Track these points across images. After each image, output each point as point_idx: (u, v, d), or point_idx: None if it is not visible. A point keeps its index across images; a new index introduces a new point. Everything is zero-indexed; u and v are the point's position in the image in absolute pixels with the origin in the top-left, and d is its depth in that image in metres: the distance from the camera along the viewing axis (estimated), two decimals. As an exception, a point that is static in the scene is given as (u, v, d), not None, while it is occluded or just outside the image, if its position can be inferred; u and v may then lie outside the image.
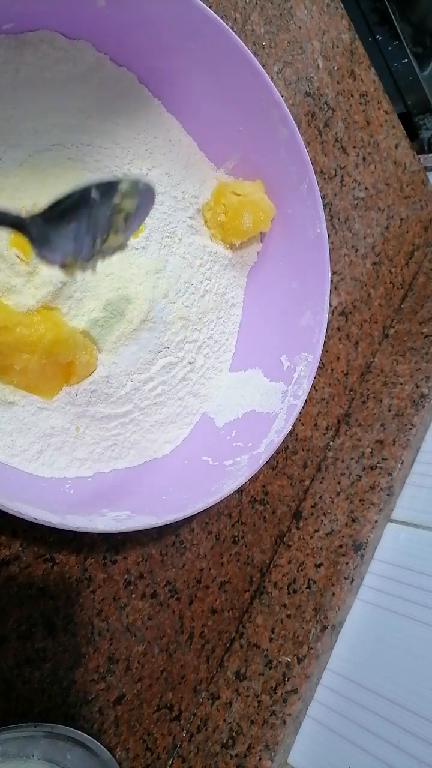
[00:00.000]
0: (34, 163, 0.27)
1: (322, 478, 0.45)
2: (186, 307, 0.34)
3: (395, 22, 0.58)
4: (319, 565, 0.39)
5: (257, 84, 0.31)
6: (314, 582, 0.38)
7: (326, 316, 0.35)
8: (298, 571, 0.39)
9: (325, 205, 0.47)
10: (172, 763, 0.32)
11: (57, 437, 0.28)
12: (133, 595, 0.32)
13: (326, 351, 0.47)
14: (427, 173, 0.61)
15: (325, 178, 0.47)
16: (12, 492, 0.24)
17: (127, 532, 0.29)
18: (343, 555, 0.39)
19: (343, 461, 0.45)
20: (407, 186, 0.57)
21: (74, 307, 0.28)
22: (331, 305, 0.47)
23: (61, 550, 0.29)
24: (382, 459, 0.43)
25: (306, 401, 0.36)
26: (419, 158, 0.60)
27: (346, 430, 0.47)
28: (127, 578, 0.31)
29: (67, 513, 0.25)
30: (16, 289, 0.26)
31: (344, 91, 0.49)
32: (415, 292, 0.57)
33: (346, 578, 0.38)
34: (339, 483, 0.44)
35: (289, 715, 0.33)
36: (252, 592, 0.39)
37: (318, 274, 0.36)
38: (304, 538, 0.41)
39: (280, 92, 0.34)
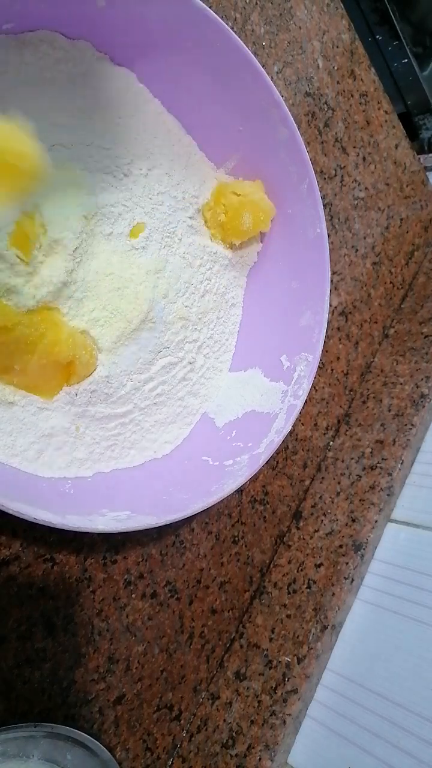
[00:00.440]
0: (34, 163, 0.27)
1: (322, 478, 0.45)
2: (186, 307, 0.34)
3: (395, 22, 0.58)
4: (319, 565, 0.39)
5: (257, 84, 0.31)
6: (314, 582, 0.38)
7: (326, 316, 0.35)
8: (298, 571, 0.39)
9: (325, 205, 0.47)
10: (172, 763, 0.32)
11: (57, 437, 0.28)
12: (133, 595, 0.32)
13: (326, 351, 0.47)
14: (427, 173, 0.61)
15: (325, 178, 0.47)
16: (12, 492, 0.24)
17: (127, 532, 0.29)
18: (343, 555, 0.39)
19: (343, 461, 0.45)
20: (407, 186, 0.57)
21: (74, 307, 0.28)
22: (331, 305, 0.47)
23: (61, 550, 0.29)
24: (382, 459, 0.43)
25: (306, 401, 0.36)
26: (419, 158, 0.60)
27: (346, 430, 0.47)
28: (127, 578, 0.31)
29: (67, 513, 0.25)
30: (16, 289, 0.26)
31: (344, 91, 0.49)
32: (415, 292, 0.57)
33: (346, 578, 0.38)
34: (339, 483, 0.44)
35: (289, 715, 0.33)
36: (252, 592, 0.39)
37: (318, 274, 0.36)
38: (304, 538, 0.41)
39: (280, 92, 0.34)
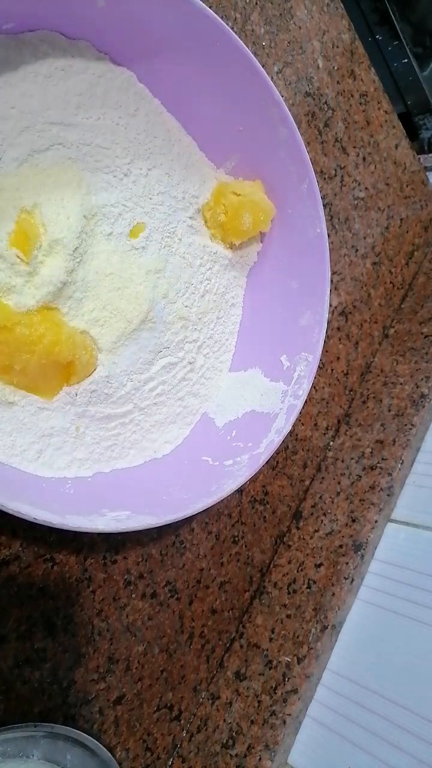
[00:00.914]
0: (33, 163, 0.27)
1: (322, 478, 0.45)
2: (186, 307, 0.34)
3: (395, 22, 0.58)
4: (319, 565, 0.39)
5: (257, 84, 0.31)
6: (314, 582, 0.38)
7: (326, 316, 0.35)
8: (298, 571, 0.39)
9: (325, 205, 0.47)
10: (172, 763, 0.32)
11: (57, 437, 0.28)
12: (133, 595, 0.32)
13: (326, 351, 0.47)
14: (427, 173, 0.61)
15: (325, 178, 0.47)
16: (12, 492, 0.24)
17: (127, 532, 0.29)
18: (343, 555, 0.39)
19: (343, 461, 0.45)
20: (407, 186, 0.57)
21: (74, 307, 0.28)
22: (331, 305, 0.47)
23: (61, 550, 0.29)
24: (382, 459, 0.43)
25: (306, 401, 0.36)
26: (419, 158, 0.60)
27: (346, 430, 0.47)
28: (127, 578, 0.31)
29: (67, 513, 0.25)
30: (16, 289, 0.26)
31: (344, 91, 0.49)
32: (415, 292, 0.57)
33: (346, 578, 0.38)
34: (339, 483, 0.44)
35: (289, 715, 0.33)
36: (252, 592, 0.39)
37: (318, 274, 0.36)
38: (304, 538, 0.41)
39: (280, 92, 0.34)
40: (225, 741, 0.32)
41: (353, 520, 0.41)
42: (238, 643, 0.37)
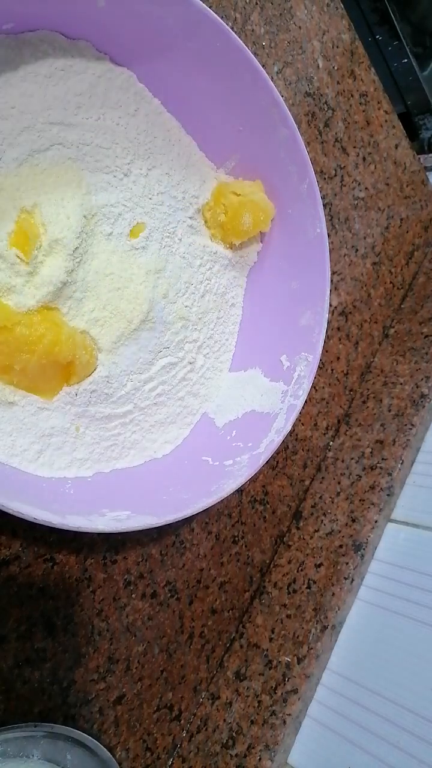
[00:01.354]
0: (33, 163, 0.27)
1: (322, 478, 0.45)
2: (186, 307, 0.34)
3: (395, 22, 0.58)
4: (319, 565, 0.39)
5: (257, 84, 0.31)
6: (314, 582, 0.38)
7: (326, 316, 0.35)
8: (298, 571, 0.39)
9: (325, 205, 0.47)
10: (172, 763, 0.32)
11: (57, 437, 0.28)
12: (133, 595, 0.32)
13: (326, 351, 0.47)
14: (427, 173, 0.61)
15: (325, 178, 0.47)
16: (12, 492, 0.24)
17: (127, 532, 0.29)
18: (343, 555, 0.39)
19: (343, 461, 0.45)
20: (407, 186, 0.57)
21: (74, 307, 0.28)
22: (331, 305, 0.47)
23: (61, 550, 0.29)
24: (382, 459, 0.43)
25: (306, 401, 0.36)
26: (419, 158, 0.60)
27: (346, 430, 0.47)
28: (127, 578, 0.31)
29: (67, 513, 0.25)
30: (16, 289, 0.26)
31: (344, 91, 0.49)
32: (415, 292, 0.57)
33: (346, 578, 0.38)
34: (339, 483, 0.44)
35: (289, 715, 0.33)
36: (252, 592, 0.39)
37: (318, 274, 0.36)
38: (304, 538, 0.41)
39: (280, 92, 0.34)
40: (225, 741, 0.32)
41: (353, 520, 0.41)
42: (238, 643, 0.37)
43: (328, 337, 0.46)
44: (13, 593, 0.27)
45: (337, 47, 0.49)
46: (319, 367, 0.46)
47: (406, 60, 0.60)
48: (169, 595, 0.33)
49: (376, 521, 0.40)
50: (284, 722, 0.32)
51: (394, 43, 0.60)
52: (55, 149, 0.28)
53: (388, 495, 0.41)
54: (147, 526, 0.27)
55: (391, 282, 0.55)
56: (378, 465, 0.43)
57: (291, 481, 0.43)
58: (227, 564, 0.37)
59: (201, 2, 0.28)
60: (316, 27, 0.46)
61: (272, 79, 0.40)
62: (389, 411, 0.47)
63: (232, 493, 0.32)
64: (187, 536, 0.35)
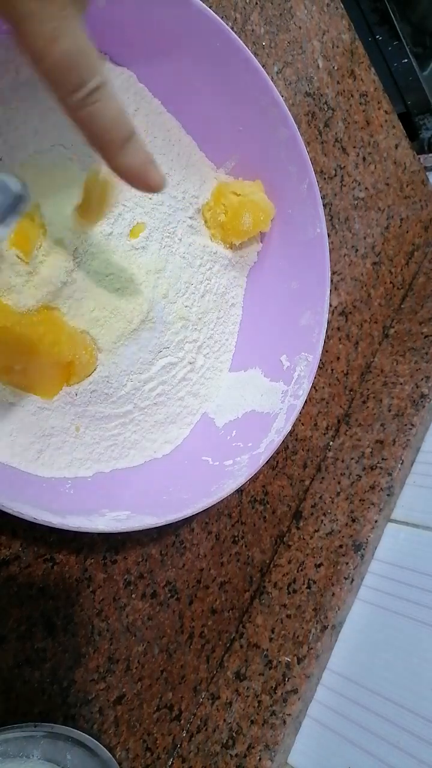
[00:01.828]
0: (34, 164, 0.27)
1: (322, 478, 0.45)
2: (186, 307, 0.34)
3: (395, 22, 0.58)
4: (319, 565, 0.39)
5: (257, 84, 0.31)
6: (314, 582, 0.38)
7: (326, 316, 0.35)
8: (298, 571, 0.39)
9: (325, 205, 0.47)
10: (172, 763, 0.32)
11: (57, 437, 0.28)
12: (133, 595, 0.32)
13: (326, 351, 0.47)
14: (427, 173, 0.61)
15: (325, 178, 0.47)
16: (12, 492, 0.24)
17: (127, 532, 0.29)
18: (343, 555, 0.39)
19: (343, 461, 0.45)
20: (407, 186, 0.57)
21: (74, 307, 0.28)
22: (331, 305, 0.47)
23: (61, 550, 0.29)
24: (382, 459, 0.43)
25: (306, 401, 0.36)
26: (419, 158, 0.60)
27: (346, 430, 0.47)
28: (127, 578, 0.31)
29: (67, 513, 0.25)
30: (16, 289, 0.26)
31: (344, 91, 0.49)
32: (415, 292, 0.57)
33: (346, 578, 0.38)
34: (339, 483, 0.44)
35: (289, 715, 0.33)
36: (252, 592, 0.39)
37: (318, 274, 0.36)
38: (304, 538, 0.41)
39: (280, 92, 0.34)
40: (225, 741, 0.32)
41: (353, 520, 0.41)
42: (238, 643, 0.37)
43: (328, 337, 0.46)
44: (13, 593, 0.27)
45: (337, 47, 0.49)
46: (319, 367, 0.46)
47: (406, 60, 0.60)
48: (169, 595, 0.33)
49: (376, 521, 0.40)
50: (284, 722, 0.32)
51: (394, 43, 0.60)
52: (56, 150, 0.28)
53: (388, 495, 0.41)
54: (147, 526, 0.27)
55: (391, 282, 0.55)
56: (378, 465, 0.43)
57: (291, 481, 0.43)
58: (227, 564, 0.37)
59: (201, 2, 0.28)
60: (316, 27, 0.46)
61: (272, 79, 0.40)
62: (389, 411, 0.47)
63: (232, 493, 0.32)
64: (187, 536, 0.35)
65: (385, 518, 0.42)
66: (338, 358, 0.48)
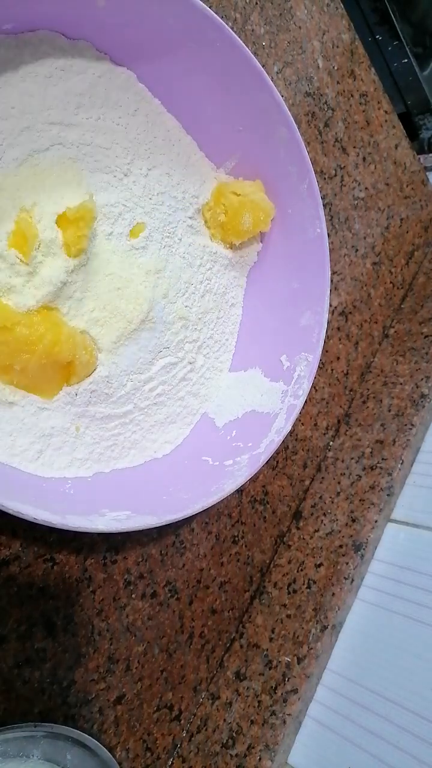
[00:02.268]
0: (34, 163, 0.27)
1: (322, 478, 0.45)
2: (186, 307, 0.34)
3: (395, 22, 0.58)
4: (319, 565, 0.39)
5: (257, 84, 0.31)
6: (314, 582, 0.38)
7: (326, 316, 0.35)
8: (298, 571, 0.39)
9: (325, 205, 0.47)
10: (172, 763, 0.32)
11: (57, 437, 0.28)
12: (133, 595, 0.32)
13: (326, 351, 0.47)
14: (427, 173, 0.61)
15: (325, 178, 0.47)
16: (12, 492, 0.24)
17: (127, 532, 0.29)
18: (343, 555, 0.39)
19: (343, 461, 0.45)
20: (407, 186, 0.57)
21: (74, 307, 0.28)
22: (331, 305, 0.47)
23: (61, 550, 0.29)
24: (382, 459, 0.43)
25: (306, 401, 0.36)
26: (419, 158, 0.60)
27: (346, 430, 0.47)
28: (127, 578, 0.31)
29: (67, 513, 0.25)
30: (16, 289, 0.26)
31: (344, 91, 0.49)
32: (415, 292, 0.57)
33: (346, 578, 0.38)
34: (339, 483, 0.44)
35: (289, 715, 0.33)
36: (252, 592, 0.39)
37: (318, 274, 0.36)
38: (304, 538, 0.41)
39: (280, 92, 0.34)
40: (225, 741, 0.32)
41: (353, 520, 0.41)
42: (238, 643, 0.37)
43: (328, 337, 0.46)
44: (13, 593, 0.27)
45: (337, 47, 0.49)
46: (319, 367, 0.46)
47: (406, 60, 0.60)
48: (169, 595, 0.33)
49: (376, 521, 0.40)
50: (284, 722, 0.32)
51: (394, 43, 0.60)
52: (55, 149, 0.28)
53: (388, 495, 0.41)
54: (147, 526, 0.27)
55: (391, 282, 0.55)
56: (378, 465, 0.43)
57: (291, 481, 0.43)
58: (227, 564, 0.37)
59: (201, 2, 0.28)
60: (316, 27, 0.46)
61: (272, 79, 0.40)
62: (389, 411, 0.47)
63: (232, 493, 0.32)
64: (187, 536, 0.35)
65: (385, 518, 0.42)
66: (338, 358, 0.48)
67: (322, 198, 0.45)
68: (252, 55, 0.30)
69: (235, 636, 0.37)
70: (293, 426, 0.40)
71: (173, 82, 0.31)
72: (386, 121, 0.54)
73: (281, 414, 0.34)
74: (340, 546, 0.40)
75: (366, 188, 0.52)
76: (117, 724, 0.30)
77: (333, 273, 0.48)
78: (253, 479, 0.40)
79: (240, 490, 0.39)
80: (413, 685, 0.33)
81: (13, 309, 0.26)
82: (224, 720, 0.33)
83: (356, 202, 0.50)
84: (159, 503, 0.29)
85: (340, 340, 0.48)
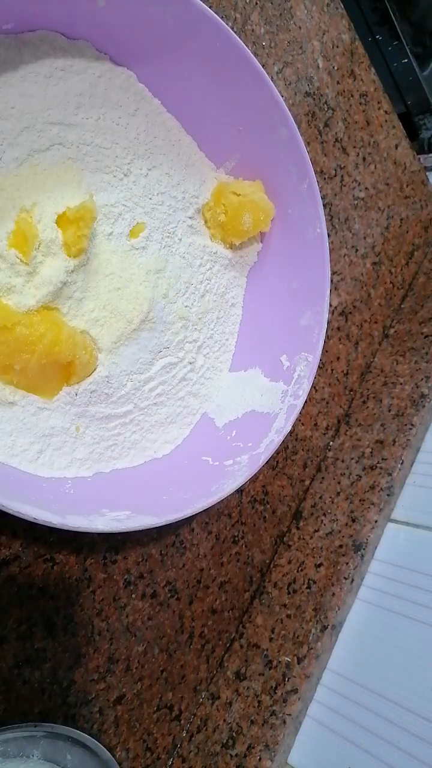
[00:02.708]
0: (33, 163, 0.27)
1: (322, 478, 0.45)
2: (186, 307, 0.34)
3: (395, 22, 0.58)
4: (319, 565, 0.39)
5: (257, 84, 0.31)
6: (314, 582, 0.38)
7: (326, 316, 0.35)
8: (298, 571, 0.39)
9: (325, 205, 0.47)
10: (172, 763, 0.32)
11: (57, 437, 0.28)
12: (133, 595, 0.32)
13: (326, 351, 0.47)
14: (427, 173, 0.61)
15: (325, 178, 0.47)
16: (12, 492, 0.24)
17: (127, 532, 0.29)
18: (343, 555, 0.39)
19: (343, 461, 0.45)
20: (407, 186, 0.57)
21: (74, 307, 0.28)
22: (331, 305, 0.47)
23: (61, 550, 0.29)
24: (382, 459, 0.43)
25: (306, 401, 0.36)
26: (419, 158, 0.60)
27: (346, 430, 0.47)
28: (127, 578, 0.31)
29: (67, 513, 0.25)
30: (16, 289, 0.26)
31: (344, 91, 0.49)
32: (415, 292, 0.57)
33: (346, 578, 0.38)
34: (339, 483, 0.44)
35: (289, 715, 0.33)
36: (252, 592, 0.39)
37: (318, 274, 0.36)
38: (304, 538, 0.41)
39: (280, 92, 0.34)
40: (225, 741, 0.32)
41: (353, 520, 0.41)
42: (238, 643, 0.37)
43: (328, 337, 0.46)
44: (13, 593, 0.27)
45: (337, 47, 0.49)
46: (319, 367, 0.46)
47: (406, 60, 0.60)
48: (169, 595, 0.33)
49: (376, 521, 0.40)
50: (284, 722, 0.32)
51: (394, 43, 0.60)
52: (55, 149, 0.28)
53: (388, 495, 0.41)
54: (147, 526, 0.27)
55: (391, 282, 0.55)
56: (378, 465, 0.43)
57: (291, 481, 0.43)
58: (227, 564, 0.37)
59: (201, 2, 0.28)
60: (316, 27, 0.46)
61: (272, 79, 0.40)
62: (389, 411, 0.47)
63: (232, 493, 0.32)
64: (187, 536, 0.35)
65: (385, 518, 0.42)
66: (338, 358, 0.48)
67: (322, 198, 0.45)
68: (252, 55, 0.30)
69: (235, 636, 0.37)
70: (293, 426, 0.40)
71: (173, 82, 0.31)
72: (386, 121, 0.54)
73: (281, 414, 0.34)
74: (340, 546, 0.40)
75: (366, 188, 0.52)
76: (117, 724, 0.30)
77: (333, 273, 0.48)
78: (253, 479, 0.40)
79: (240, 490, 0.39)
80: (413, 685, 0.33)
81: (13, 309, 0.26)
82: (224, 720, 0.33)
83: (356, 202, 0.50)
84: (159, 503, 0.29)
85: (340, 340, 0.48)
